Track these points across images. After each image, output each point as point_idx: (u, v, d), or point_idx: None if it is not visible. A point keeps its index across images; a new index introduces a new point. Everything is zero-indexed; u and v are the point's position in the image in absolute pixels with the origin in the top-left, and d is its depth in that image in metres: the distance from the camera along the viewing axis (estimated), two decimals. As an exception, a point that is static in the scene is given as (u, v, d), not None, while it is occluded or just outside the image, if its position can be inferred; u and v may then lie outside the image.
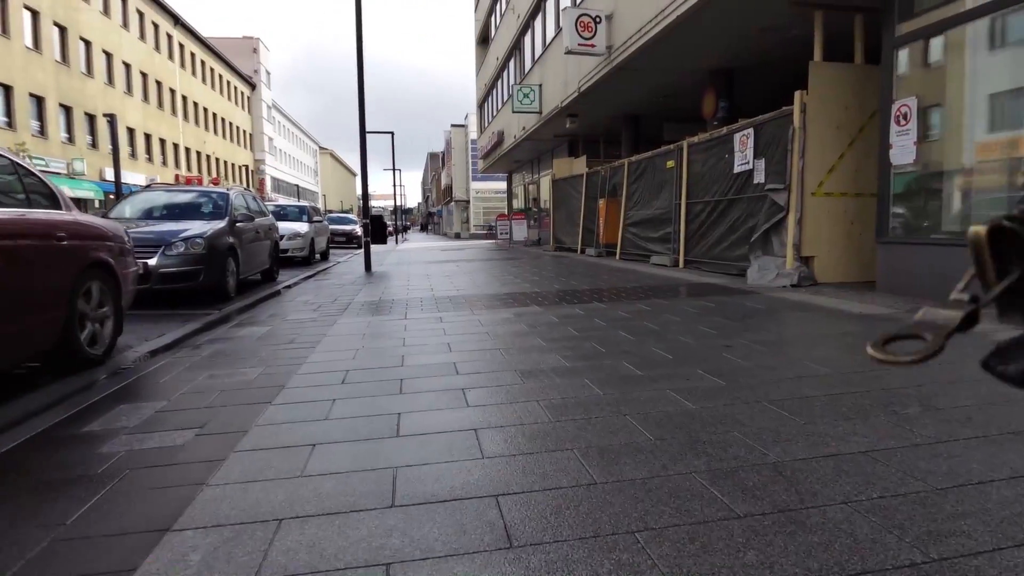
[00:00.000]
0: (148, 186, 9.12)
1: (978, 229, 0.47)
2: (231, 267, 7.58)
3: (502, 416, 2.77)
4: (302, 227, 14.98)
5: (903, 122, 6.07)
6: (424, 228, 52.38)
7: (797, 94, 7.22)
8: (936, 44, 6.00)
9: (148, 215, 8.24)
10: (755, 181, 8.26)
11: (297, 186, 66.52)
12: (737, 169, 8.68)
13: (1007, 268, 0.46)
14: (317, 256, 17.01)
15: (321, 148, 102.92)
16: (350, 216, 29.30)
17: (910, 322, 0.50)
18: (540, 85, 16.67)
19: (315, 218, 16.32)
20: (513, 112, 17.25)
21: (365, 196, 12.63)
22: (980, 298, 0.48)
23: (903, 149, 6.08)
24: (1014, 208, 0.49)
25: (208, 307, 6.67)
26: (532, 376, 3.45)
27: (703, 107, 11.03)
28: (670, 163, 10.93)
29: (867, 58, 7.42)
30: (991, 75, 5.52)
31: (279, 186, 67.15)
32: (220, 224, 7.63)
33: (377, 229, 13.32)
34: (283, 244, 13.33)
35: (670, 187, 10.97)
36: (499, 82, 24.78)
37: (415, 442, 2.47)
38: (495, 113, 25.97)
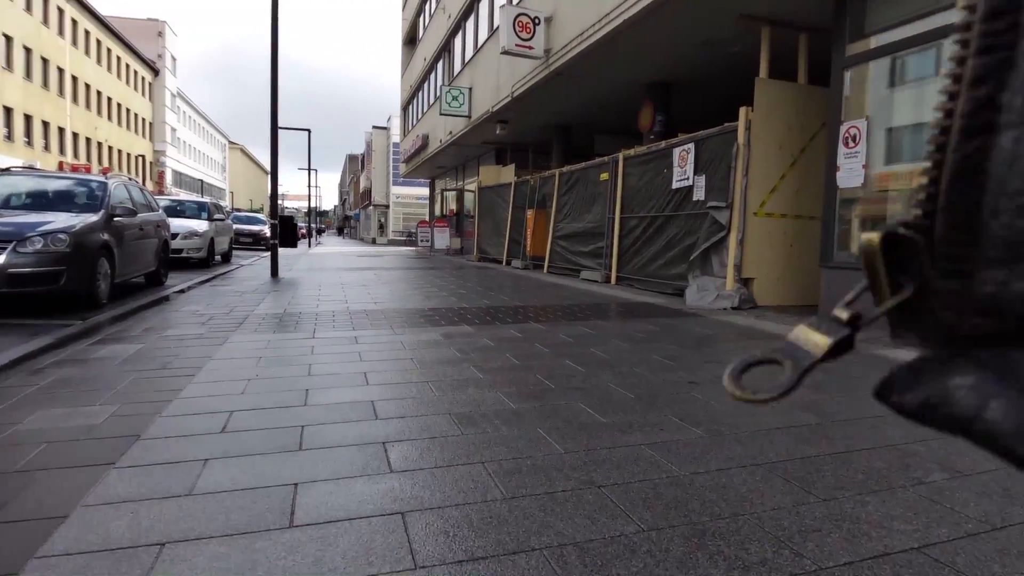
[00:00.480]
0: (7, 169, 7.73)
1: (871, 237, 0.39)
2: (103, 268, 6.43)
3: (439, 490, 2.06)
4: (200, 225, 13.59)
5: (851, 144, 5.86)
6: (340, 232, 50.06)
7: (742, 110, 6.94)
8: (882, 66, 5.84)
9: (5, 204, 6.93)
10: (695, 198, 7.96)
11: (202, 181, 62.64)
12: (676, 185, 8.37)
13: (901, 281, 0.39)
14: (217, 258, 15.60)
15: (231, 143, 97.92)
16: (259, 216, 27.43)
17: (777, 344, 0.42)
18: (470, 88, 16.04)
19: (216, 216, 14.91)
20: (440, 114, 16.52)
21: (274, 194, 11.52)
22: (861, 317, 0.40)
23: (851, 172, 5.87)
24: (910, 213, 0.38)
25: (71, 316, 5.55)
26: (471, 423, 2.77)
27: (640, 120, 10.75)
28: (604, 175, 10.56)
29: (809, 78, 7.27)
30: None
31: (181, 180, 63.00)
32: (93, 218, 6.47)
33: (287, 231, 12.19)
34: (177, 244, 12.00)
35: (603, 200, 10.59)
36: (426, 84, 23.97)
37: (314, 539, 1.72)
38: (420, 116, 25.11)
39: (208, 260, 13.56)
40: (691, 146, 8.01)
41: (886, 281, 0.40)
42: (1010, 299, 0.34)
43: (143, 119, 54.32)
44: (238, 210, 37.19)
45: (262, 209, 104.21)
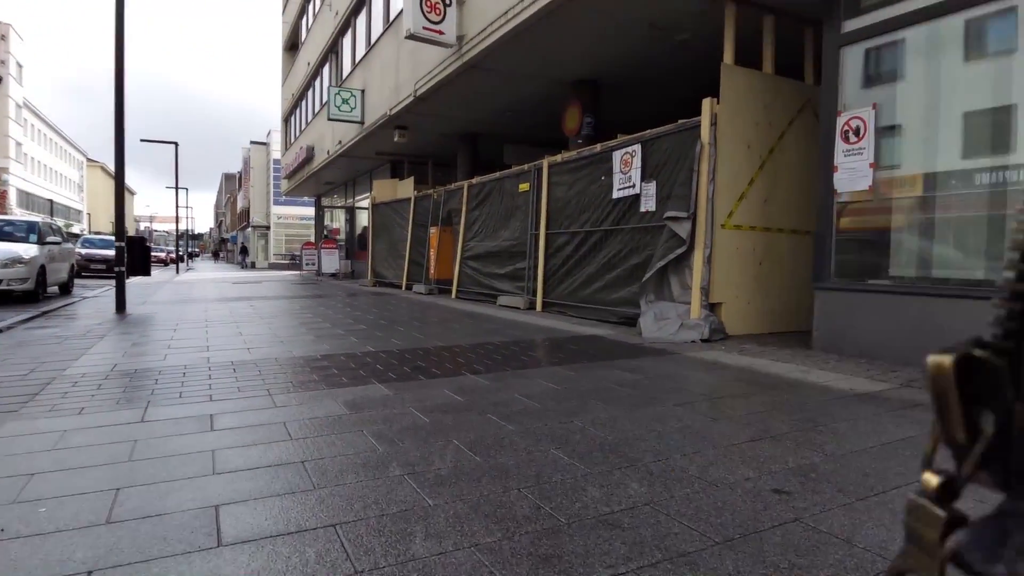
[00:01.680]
0: None
1: (941, 360, 0.32)
2: None
3: None
4: (27, 250, 10.82)
5: (854, 139, 4.84)
6: (216, 256, 45.20)
7: (707, 102, 5.82)
8: (891, 42, 4.89)
9: None
10: (642, 208, 6.75)
11: (51, 201, 55.40)
12: (617, 194, 7.14)
13: (977, 413, 0.32)
14: (54, 289, 12.77)
15: (90, 160, 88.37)
16: (25, 220, 23.39)
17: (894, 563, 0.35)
18: (363, 91, 14.23)
19: (50, 239, 12.13)
20: (329, 120, 14.55)
21: (120, 208, 9.15)
22: (957, 480, 0.34)
23: (854, 173, 4.82)
24: (991, 323, 0.32)
25: None
26: None
27: (565, 122, 9.53)
28: (524, 186, 9.20)
29: (776, 68, 6.31)
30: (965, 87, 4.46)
31: (30, 201, 55.36)
32: None
33: (137, 256, 9.82)
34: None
35: (523, 215, 9.23)
36: (310, 91, 21.78)
37: None
38: (304, 126, 22.82)
39: (38, 293, 10.80)
40: (636, 148, 6.82)
41: (959, 413, 0.33)
42: None
43: (-21, 130, 47.42)
44: (97, 233, 32.68)
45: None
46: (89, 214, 76.83)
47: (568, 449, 2.59)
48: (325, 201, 26.70)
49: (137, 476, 2.25)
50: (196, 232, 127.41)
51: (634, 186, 6.84)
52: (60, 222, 58.67)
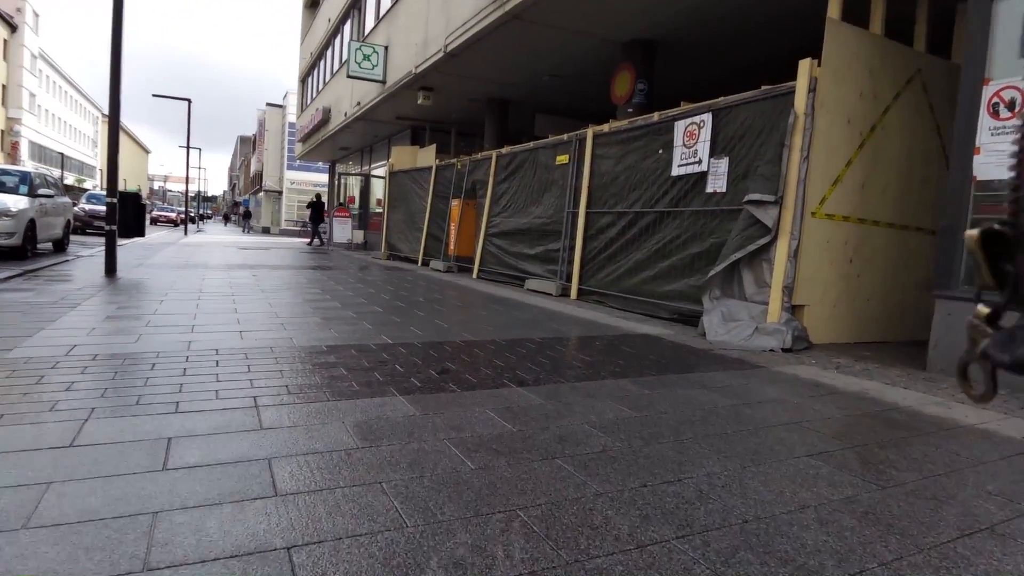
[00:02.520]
0: None
1: (971, 233, 0.52)
2: None
3: None
4: (16, 202, 10.00)
5: (1006, 114, 3.84)
6: (227, 219, 43.74)
7: (805, 64, 4.80)
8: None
9: None
10: (709, 189, 5.77)
11: (61, 154, 54.74)
12: (678, 171, 6.16)
13: (1003, 267, 0.52)
14: (49, 246, 12.05)
15: (106, 116, 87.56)
16: (17, 169, 22.40)
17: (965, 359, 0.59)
18: (386, 48, 13.18)
19: (42, 191, 11.29)
20: (348, 77, 13.50)
21: (113, 158, 8.25)
22: (999, 309, 0.55)
23: (1003, 156, 3.84)
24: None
25: None
26: None
27: (614, 88, 8.50)
28: (563, 158, 8.21)
29: (886, 31, 5.27)
30: None
31: (43, 153, 54.69)
32: None
33: (129, 214, 8.96)
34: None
35: (560, 190, 8.25)
36: (329, 50, 20.71)
37: None
38: (321, 87, 21.77)
39: (26, 249, 10.00)
40: (706, 117, 5.82)
41: (986, 268, 0.53)
42: None
43: (-7, 79, 46.75)
44: (97, 189, 31.97)
45: (139, 190, 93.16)
46: (101, 170, 76.17)
47: (698, 541, 1.68)
48: (340, 168, 25.73)
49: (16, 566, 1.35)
50: (210, 195, 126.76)
51: (700, 162, 5.86)
52: (71, 177, 57.99)
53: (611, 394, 3.21)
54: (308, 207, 20.50)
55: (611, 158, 7.26)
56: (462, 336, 4.73)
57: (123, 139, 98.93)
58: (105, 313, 4.86)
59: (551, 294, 8.00)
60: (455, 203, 11.48)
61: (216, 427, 2.35)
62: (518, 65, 10.13)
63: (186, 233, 26.30)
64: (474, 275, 10.43)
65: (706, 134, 5.79)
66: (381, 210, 17.93)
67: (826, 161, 4.90)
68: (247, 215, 42.95)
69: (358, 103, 15.19)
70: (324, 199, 22.25)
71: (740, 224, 5.21)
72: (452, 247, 11.57)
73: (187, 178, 28.55)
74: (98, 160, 79.25)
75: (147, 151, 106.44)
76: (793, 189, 4.83)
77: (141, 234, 9.37)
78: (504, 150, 10.03)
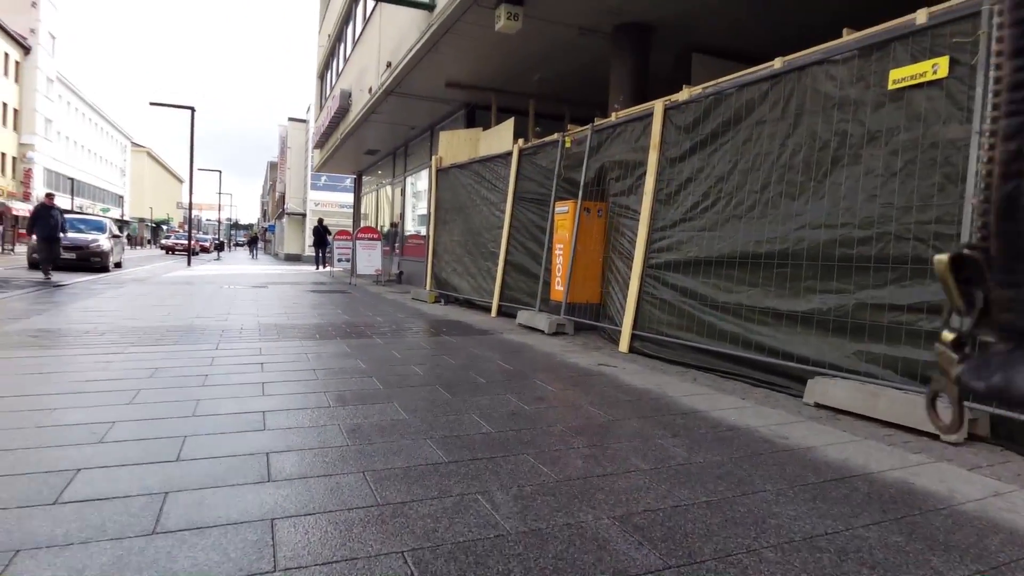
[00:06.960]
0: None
1: (941, 257, 0.49)
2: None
3: None
4: (105, 241, 6.38)
5: None
6: (251, 247, 39.57)
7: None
8: None
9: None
10: None
11: (72, 179, 51.70)
12: None
13: (971, 291, 0.49)
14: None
15: (135, 145, 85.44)
16: (101, 220, 17.64)
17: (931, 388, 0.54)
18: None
19: (114, 232, 7.11)
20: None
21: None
22: (963, 335, 0.51)
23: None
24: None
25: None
26: None
27: None
28: (914, 69, 3.05)
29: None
30: None
31: (58, 181, 51.70)
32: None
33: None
34: None
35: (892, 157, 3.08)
36: (348, 27, 15.99)
37: None
38: (340, 71, 17.05)
39: (108, 267, 5.98)
40: None
41: (957, 292, 0.49)
42: None
43: (4, 104, 43.99)
44: (77, 212, 27.83)
45: (169, 219, 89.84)
46: (121, 197, 73.55)
47: None
48: (367, 180, 20.99)
49: None
50: (241, 222, 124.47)
51: None
52: (84, 201, 54.76)
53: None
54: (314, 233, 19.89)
55: None
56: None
57: (157, 169, 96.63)
58: None
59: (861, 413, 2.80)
60: (564, 209, 6.41)
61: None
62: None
63: (189, 264, 21.84)
64: (622, 347, 5.27)
65: None
66: (423, 230, 12.99)
67: None
68: (253, 241, 43.16)
69: (388, 64, 10.21)
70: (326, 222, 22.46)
71: None
72: (560, 287, 6.47)
73: (190, 200, 24.11)
74: (126, 189, 76.78)
75: (181, 181, 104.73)
76: None
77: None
78: (683, 93, 4.92)
